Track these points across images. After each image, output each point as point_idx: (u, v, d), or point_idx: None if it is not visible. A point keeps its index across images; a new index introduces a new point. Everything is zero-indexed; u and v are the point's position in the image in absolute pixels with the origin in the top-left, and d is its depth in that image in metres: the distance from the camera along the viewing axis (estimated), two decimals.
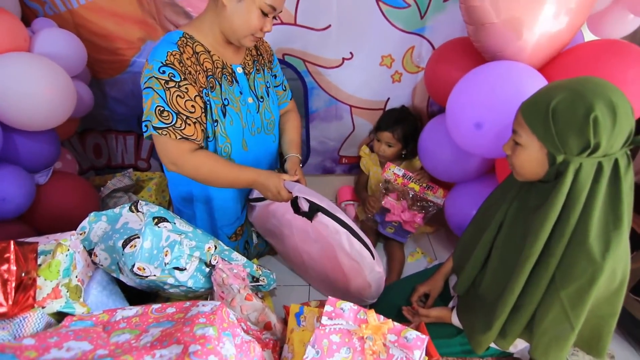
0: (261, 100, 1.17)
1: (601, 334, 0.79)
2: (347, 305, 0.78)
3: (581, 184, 0.68)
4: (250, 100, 1.14)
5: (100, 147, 1.85)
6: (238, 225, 1.29)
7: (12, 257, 0.73)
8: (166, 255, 0.90)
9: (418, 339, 0.71)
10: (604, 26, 1.23)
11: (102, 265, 0.99)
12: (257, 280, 1.15)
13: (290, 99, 1.34)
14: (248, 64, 1.15)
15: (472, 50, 1.18)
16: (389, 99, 1.64)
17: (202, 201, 1.23)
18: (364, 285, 1.13)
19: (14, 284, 0.72)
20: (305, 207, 1.09)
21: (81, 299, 0.89)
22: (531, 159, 0.74)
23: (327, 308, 0.77)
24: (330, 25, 1.45)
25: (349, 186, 1.84)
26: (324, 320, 0.76)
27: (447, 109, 1.11)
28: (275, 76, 1.27)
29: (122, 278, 1.00)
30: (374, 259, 1.08)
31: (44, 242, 0.86)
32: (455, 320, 0.96)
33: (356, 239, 1.05)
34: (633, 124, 0.67)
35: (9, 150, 1.25)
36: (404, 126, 1.49)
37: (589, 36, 1.30)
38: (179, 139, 0.98)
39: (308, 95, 1.62)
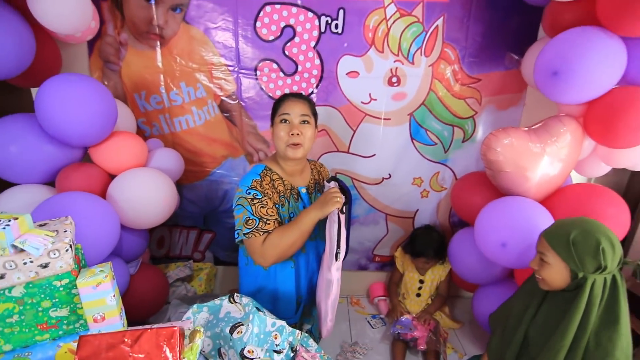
0: None
1: None
2: None
3: (596, 293, 0.97)
4: None
5: (164, 239, 2.11)
6: (293, 322, 1.47)
7: (177, 342, 0.95)
8: (275, 338, 1.12)
9: None
10: (586, 169, 1.65)
11: (204, 351, 1.18)
12: None
13: None
14: (311, 186, 1.46)
15: (489, 183, 1.57)
16: (417, 210, 2.01)
17: (268, 299, 1.44)
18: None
19: None
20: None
21: None
22: (557, 274, 1.02)
23: None
24: (375, 154, 1.88)
25: (381, 282, 2.09)
26: None
27: (477, 230, 1.45)
28: None
29: None
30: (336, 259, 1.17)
31: None
32: None
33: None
34: (622, 250, 0.99)
35: (117, 244, 1.52)
36: (435, 248, 1.83)
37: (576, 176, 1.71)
38: (262, 234, 1.22)
39: (351, 204, 1.97)
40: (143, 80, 1.78)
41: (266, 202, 1.27)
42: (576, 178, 1.71)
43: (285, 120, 1.25)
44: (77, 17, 1.34)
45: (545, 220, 1.34)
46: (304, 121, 1.27)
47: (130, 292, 1.56)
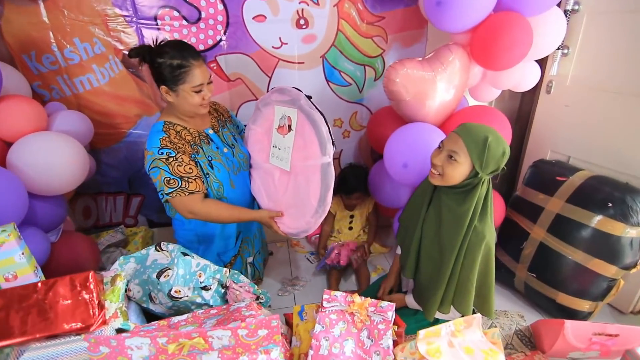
0: (232, 146, 1.51)
1: (487, 298, 1.22)
2: (338, 293, 1.12)
3: (484, 189, 1.14)
4: (225, 150, 1.47)
5: (89, 209, 2.04)
6: (232, 254, 1.57)
7: (93, 285, 0.98)
8: (200, 276, 1.18)
9: (389, 306, 1.07)
10: (480, 94, 1.83)
11: (134, 297, 1.23)
12: (258, 297, 1.43)
13: None
14: (215, 125, 1.50)
15: (396, 115, 1.70)
16: (342, 150, 2.12)
17: (206, 239, 1.51)
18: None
19: (96, 306, 0.97)
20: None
21: (128, 321, 1.12)
22: (461, 171, 1.11)
23: (325, 296, 1.11)
24: None
25: None
26: (325, 304, 1.09)
27: (384, 156, 1.58)
28: (237, 126, 1.65)
29: (151, 307, 1.24)
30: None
31: None
32: (408, 301, 1.34)
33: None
34: None
35: (29, 213, 1.45)
36: (361, 184, 1.92)
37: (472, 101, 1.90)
38: (188, 194, 1.29)
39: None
40: (30, 38, 1.62)
41: (181, 158, 1.29)
42: (474, 104, 1.90)
43: (200, 91, 1.28)
44: None
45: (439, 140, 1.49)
46: (209, 82, 1.31)
47: (54, 261, 1.52)
